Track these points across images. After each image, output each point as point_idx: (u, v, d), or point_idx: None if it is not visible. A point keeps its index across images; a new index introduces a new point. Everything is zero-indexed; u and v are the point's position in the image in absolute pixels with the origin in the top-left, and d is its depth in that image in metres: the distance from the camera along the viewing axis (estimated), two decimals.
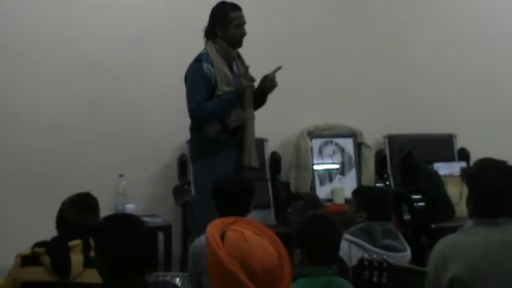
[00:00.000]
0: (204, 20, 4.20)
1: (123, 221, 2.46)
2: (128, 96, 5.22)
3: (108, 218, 2.48)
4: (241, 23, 4.13)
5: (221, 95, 4.06)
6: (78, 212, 3.02)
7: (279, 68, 4.16)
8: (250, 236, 2.54)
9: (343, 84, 5.75)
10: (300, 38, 5.64)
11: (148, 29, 5.26)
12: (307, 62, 5.64)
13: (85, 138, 5.13)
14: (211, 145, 4.08)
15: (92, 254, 2.79)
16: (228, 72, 4.11)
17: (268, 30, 5.42)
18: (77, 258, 2.95)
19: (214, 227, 2.25)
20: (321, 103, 5.68)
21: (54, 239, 3.02)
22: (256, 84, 4.20)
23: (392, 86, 5.86)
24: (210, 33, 4.14)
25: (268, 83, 4.15)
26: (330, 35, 5.71)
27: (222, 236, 2.28)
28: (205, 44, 4.16)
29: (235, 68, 4.20)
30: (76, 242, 2.96)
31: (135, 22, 5.25)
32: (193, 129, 4.20)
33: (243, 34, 4.14)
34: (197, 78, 4.06)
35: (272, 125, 5.16)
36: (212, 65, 4.06)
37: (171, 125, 5.23)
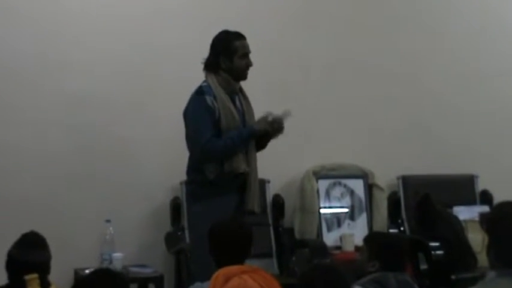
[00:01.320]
0: (201, 49, 4.22)
1: (105, 279, 2.47)
2: (116, 133, 5.22)
3: (92, 275, 2.50)
4: (246, 53, 4.15)
5: (229, 132, 4.07)
6: (21, 249, 3.26)
7: (288, 113, 4.17)
8: (252, 285, 2.53)
9: (352, 119, 5.78)
10: (305, 67, 5.68)
11: (139, 60, 5.29)
12: (313, 94, 5.68)
13: (68, 178, 5.12)
14: (210, 187, 4.08)
15: None
16: (233, 108, 4.12)
17: (269, 59, 5.44)
18: None
19: (224, 270, 2.22)
20: (328, 140, 5.69)
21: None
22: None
23: (407, 122, 5.89)
24: (213, 65, 4.15)
25: (276, 126, 4.16)
26: (339, 64, 5.75)
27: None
28: (206, 76, 4.17)
29: (238, 102, 4.22)
30: (32, 276, 3.14)
31: (125, 51, 5.27)
32: (190, 169, 4.20)
33: (249, 65, 4.15)
34: (201, 112, 4.06)
35: (274, 165, 5.14)
36: (215, 98, 4.08)
37: (164, 164, 5.23)
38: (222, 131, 4.07)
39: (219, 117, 4.06)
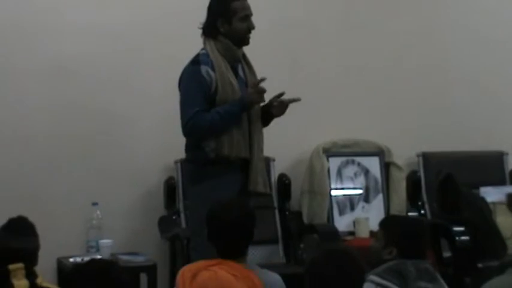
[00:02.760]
0: (198, 14, 4.20)
1: (92, 273, 2.48)
2: (103, 103, 5.22)
3: (76, 269, 2.52)
4: (247, 14, 4.13)
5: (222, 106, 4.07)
6: (6, 235, 3.26)
7: (297, 99, 4.18)
8: (223, 276, 2.54)
9: (367, 91, 5.78)
10: (315, 32, 5.68)
11: (133, 20, 5.27)
12: (323, 62, 5.68)
13: (50, 159, 5.13)
14: (211, 166, 4.08)
15: (39, 280, 3.06)
16: (233, 78, 4.11)
17: (276, 23, 5.45)
18: (21, 283, 3.12)
19: (189, 266, 2.26)
20: (340, 113, 5.70)
21: None
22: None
23: (428, 93, 5.90)
24: (210, 29, 4.14)
25: (283, 109, 4.18)
26: (353, 30, 5.75)
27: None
28: (204, 43, 4.16)
29: (240, 72, 4.20)
30: (17, 266, 3.13)
31: (117, 11, 5.25)
32: (189, 147, 4.20)
33: (251, 28, 4.13)
34: (194, 84, 4.05)
35: (280, 141, 5.14)
36: (213, 68, 4.06)
37: (158, 140, 5.25)
38: (219, 102, 4.05)
39: (216, 89, 4.05)
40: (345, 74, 5.74)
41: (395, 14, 5.84)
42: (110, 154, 5.23)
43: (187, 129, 4.07)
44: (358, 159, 5.60)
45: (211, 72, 4.05)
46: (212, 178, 4.05)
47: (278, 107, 4.17)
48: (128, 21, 5.24)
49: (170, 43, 5.20)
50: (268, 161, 5.28)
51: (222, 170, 4.06)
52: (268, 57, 5.12)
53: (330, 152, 5.54)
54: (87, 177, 5.15)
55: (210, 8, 4.18)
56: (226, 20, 4.10)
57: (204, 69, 4.05)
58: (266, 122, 4.26)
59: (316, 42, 5.68)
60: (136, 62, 5.27)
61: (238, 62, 4.19)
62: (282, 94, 4.17)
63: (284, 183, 5.41)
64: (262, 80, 4.11)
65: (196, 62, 4.10)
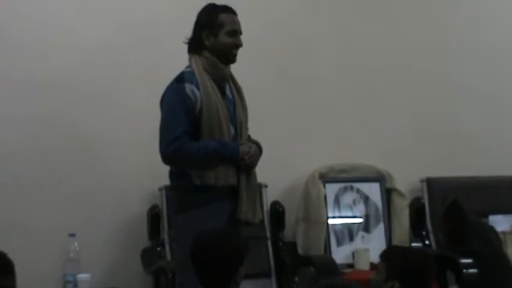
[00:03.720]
0: (190, 25, 4.22)
1: None
2: (80, 128, 5.22)
3: None
4: (235, 29, 4.13)
5: (210, 142, 4.03)
6: None
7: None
8: None
9: (367, 112, 5.81)
10: (310, 50, 5.70)
11: (109, 41, 5.28)
12: (319, 81, 5.70)
13: (21, 184, 5.10)
14: (197, 194, 4.05)
15: None
16: (219, 99, 4.09)
17: (267, 41, 5.48)
18: None
19: None
20: (338, 136, 5.71)
21: None
22: None
23: (432, 114, 5.93)
24: (196, 43, 4.15)
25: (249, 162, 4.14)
26: (350, 46, 5.78)
27: None
28: (189, 59, 4.17)
29: (228, 92, 4.19)
30: None
31: (93, 30, 5.26)
32: (173, 173, 4.18)
33: (238, 44, 4.13)
34: (177, 103, 4.04)
35: (273, 166, 5.11)
36: (198, 87, 4.06)
37: (141, 165, 5.23)
38: (203, 126, 4.03)
39: (200, 111, 4.03)
40: (342, 94, 5.76)
41: (396, 33, 5.88)
42: (88, 180, 5.21)
43: (168, 154, 4.02)
44: (357, 185, 5.61)
45: (196, 91, 4.04)
46: (199, 207, 4.03)
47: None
48: (110, 36, 5.26)
49: (155, 58, 5.22)
50: (260, 188, 5.24)
51: (209, 197, 4.04)
52: (256, 78, 5.13)
53: (326, 177, 5.54)
54: (63, 206, 5.13)
55: (197, 22, 4.18)
56: (212, 32, 4.10)
57: (188, 87, 4.04)
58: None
59: (310, 59, 5.70)
60: (117, 79, 5.28)
61: (225, 81, 4.18)
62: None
63: (277, 211, 5.41)
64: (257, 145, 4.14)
65: (180, 79, 4.08)
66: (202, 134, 4.03)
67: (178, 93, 4.04)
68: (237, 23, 4.15)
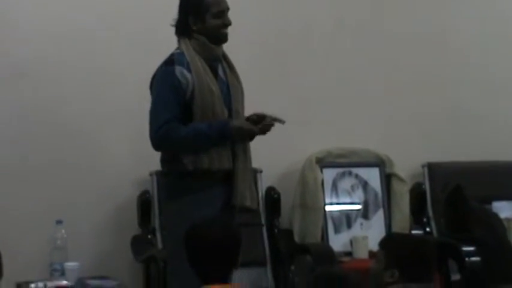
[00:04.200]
0: (176, 8, 4.20)
1: None
2: (67, 111, 5.21)
3: None
4: (222, 10, 4.12)
5: (201, 123, 4.01)
6: None
7: (283, 122, 4.17)
8: None
9: (365, 94, 5.79)
10: (306, 32, 5.69)
11: (101, 21, 5.27)
12: (315, 63, 5.70)
13: (6, 170, 5.09)
14: (190, 179, 4.04)
15: None
16: (212, 81, 4.07)
17: (262, 24, 5.46)
18: None
19: None
20: (335, 119, 5.71)
21: None
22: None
23: (433, 96, 5.92)
24: (183, 28, 4.13)
25: (267, 129, 4.15)
26: (348, 27, 5.79)
27: None
28: (178, 42, 4.15)
29: (221, 72, 4.17)
30: None
31: (81, 10, 5.25)
32: (165, 158, 4.18)
33: (226, 24, 4.12)
34: (167, 87, 4.03)
35: (268, 150, 5.12)
36: (189, 69, 4.04)
37: (130, 149, 5.23)
38: (196, 109, 4.02)
39: (192, 94, 4.02)
40: (340, 76, 5.76)
41: (394, 16, 5.89)
42: (75, 165, 5.21)
43: (157, 139, 4.04)
44: (355, 170, 5.61)
45: (187, 74, 4.03)
46: (192, 193, 4.03)
47: (265, 127, 4.14)
48: (95, 23, 5.26)
49: (140, 43, 5.22)
50: (254, 173, 5.25)
51: (203, 183, 4.04)
52: (254, 61, 5.14)
53: (324, 162, 5.54)
54: (49, 192, 5.13)
55: (181, 4, 4.17)
56: (199, 17, 4.09)
57: (178, 70, 4.03)
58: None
59: (308, 44, 5.70)
60: (103, 64, 5.27)
61: (217, 61, 4.16)
62: (282, 122, 4.15)
63: (273, 197, 5.42)
64: (272, 121, 4.11)
65: (170, 62, 4.08)
66: (194, 116, 4.02)
67: (168, 76, 4.04)
68: (223, 2, 4.13)
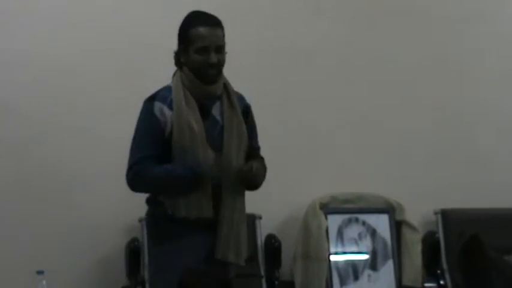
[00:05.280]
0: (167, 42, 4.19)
1: None
2: (51, 151, 5.22)
3: None
4: (205, 46, 4.01)
5: (174, 166, 3.97)
6: None
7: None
8: None
9: (373, 134, 5.80)
10: (309, 63, 5.70)
11: (88, 53, 5.30)
12: (319, 100, 5.71)
13: None
14: (171, 225, 4.01)
15: None
16: (196, 120, 4.00)
17: (262, 54, 5.51)
18: None
19: None
20: (340, 162, 5.72)
21: None
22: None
23: (446, 139, 5.92)
24: (176, 58, 4.13)
25: (248, 178, 4.03)
26: (355, 58, 5.81)
27: None
28: (174, 74, 4.14)
29: (215, 112, 4.10)
30: None
31: (68, 38, 5.28)
32: (148, 199, 4.16)
33: (210, 63, 4.02)
34: (143, 124, 4.06)
35: (267, 194, 5.02)
36: (171, 106, 4.01)
37: (118, 193, 4.96)
38: (174, 149, 3.98)
39: (171, 131, 3.99)
40: (346, 116, 5.76)
41: (406, 46, 5.90)
42: (58, 210, 5.21)
43: (129, 179, 4.05)
44: (363, 217, 5.59)
45: (167, 111, 4.00)
46: (171, 240, 3.99)
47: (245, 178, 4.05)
48: (80, 55, 5.29)
49: (133, 77, 5.25)
50: (253, 219, 5.29)
51: (183, 230, 3.99)
52: (255, 94, 5.09)
53: (328, 208, 5.53)
54: (30, 239, 5.12)
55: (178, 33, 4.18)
56: (185, 49, 4.06)
57: (157, 107, 4.00)
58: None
59: (312, 76, 5.71)
60: (90, 97, 5.31)
61: (213, 99, 4.09)
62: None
63: (273, 246, 5.39)
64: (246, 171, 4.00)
65: (151, 97, 4.06)
66: (173, 156, 3.99)
67: (146, 113, 4.04)
68: (210, 37, 4.02)
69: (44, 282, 4.86)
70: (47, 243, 5.15)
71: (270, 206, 5.34)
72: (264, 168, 4.14)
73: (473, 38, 6.02)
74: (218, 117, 4.08)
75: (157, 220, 4.08)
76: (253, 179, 4.03)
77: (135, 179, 4.01)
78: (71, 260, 5.17)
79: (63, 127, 5.26)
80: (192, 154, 3.96)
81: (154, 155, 3.97)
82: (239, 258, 4.06)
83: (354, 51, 5.79)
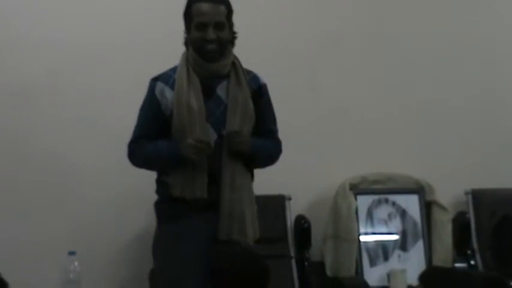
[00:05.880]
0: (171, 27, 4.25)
1: None
2: (77, 137, 5.25)
3: None
4: (203, 22, 4.01)
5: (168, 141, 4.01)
6: None
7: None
8: None
9: (403, 114, 5.81)
10: (340, 49, 5.72)
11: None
12: (348, 82, 5.71)
13: (16, 198, 5.14)
14: (174, 205, 4.02)
15: None
16: (197, 99, 3.98)
17: (294, 42, 5.50)
18: None
19: None
20: (370, 144, 5.71)
21: None
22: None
23: (479, 117, 5.93)
24: (185, 37, 4.14)
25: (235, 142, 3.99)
26: (384, 45, 5.80)
27: None
28: (182, 54, 4.15)
29: (219, 91, 4.06)
30: None
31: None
32: (156, 179, 4.19)
33: (206, 39, 4.00)
34: (145, 103, 4.11)
35: (297, 176, 5.15)
36: (173, 86, 4.02)
37: (149, 174, 5.19)
38: (173, 129, 4.00)
39: (172, 111, 4.01)
40: (376, 97, 5.76)
41: (438, 25, 5.89)
42: (89, 193, 5.25)
43: (128, 156, 4.12)
44: (392, 197, 5.61)
45: (168, 92, 4.02)
46: (169, 221, 4.04)
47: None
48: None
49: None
50: (282, 200, 5.29)
51: (186, 210, 3.99)
52: (284, 81, 5.14)
53: (358, 189, 5.54)
54: (62, 221, 5.17)
55: None
56: (186, 25, 4.08)
57: (159, 87, 4.04)
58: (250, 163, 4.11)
59: (341, 58, 5.73)
60: (116, 83, 5.31)
61: (218, 78, 4.06)
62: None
63: (302, 226, 5.39)
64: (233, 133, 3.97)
65: (155, 77, 4.10)
66: (173, 136, 4.01)
67: (148, 92, 4.08)
68: (209, 13, 4.00)
69: (76, 263, 4.92)
70: (79, 224, 5.17)
71: (300, 186, 5.35)
72: (265, 146, 4.07)
73: (506, 16, 6.02)
74: (222, 96, 4.05)
75: (159, 200, 4.12)
76: (240, 145, 3.96)
77: (130, 158, 4.09)
78: (102, 241, 5.19)
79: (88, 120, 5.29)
80: (190, 133, 3.93)
81: (149, 134, 4.01)
82: (244, 236, 3.99)
83: (384, 31, 5.79)
